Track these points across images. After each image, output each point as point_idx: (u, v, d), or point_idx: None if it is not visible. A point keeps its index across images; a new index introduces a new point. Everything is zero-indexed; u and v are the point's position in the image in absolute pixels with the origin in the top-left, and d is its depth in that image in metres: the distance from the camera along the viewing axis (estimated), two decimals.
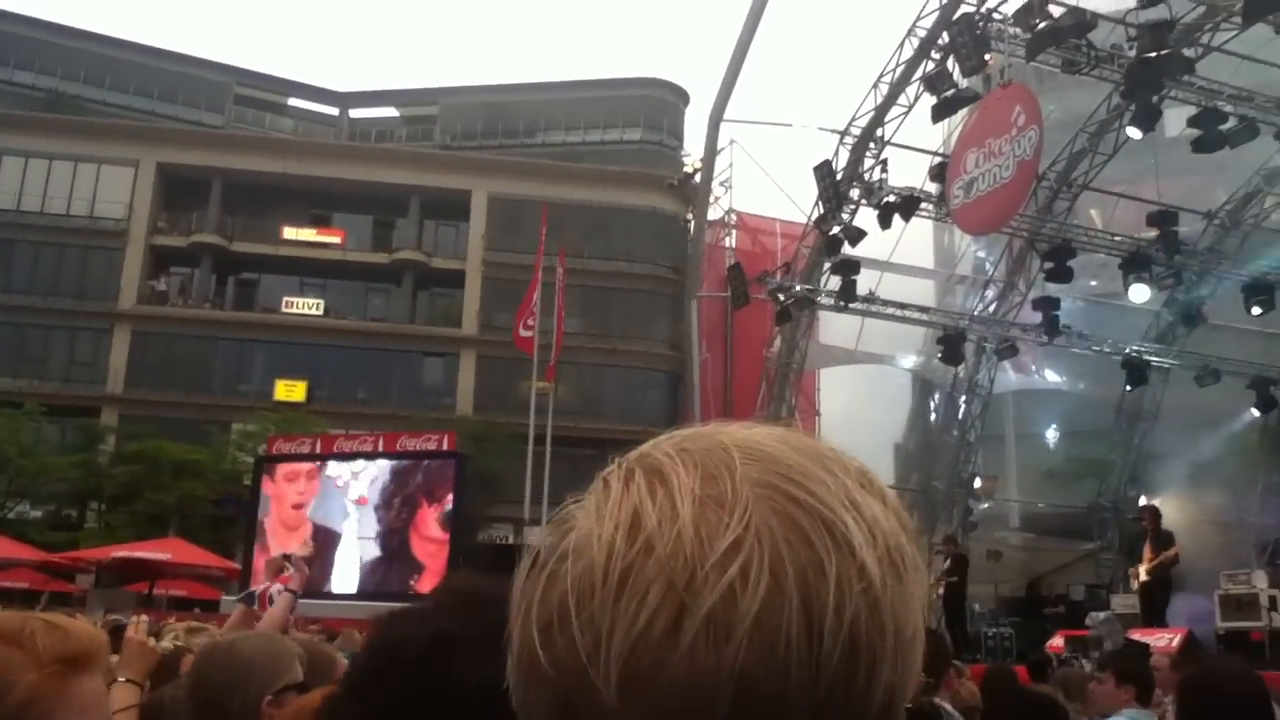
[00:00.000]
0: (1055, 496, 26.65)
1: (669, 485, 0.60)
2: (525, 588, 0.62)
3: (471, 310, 40.54)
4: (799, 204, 22.48)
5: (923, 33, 17.35)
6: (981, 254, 26.24)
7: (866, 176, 19.24)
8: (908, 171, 19.49)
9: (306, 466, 19.76)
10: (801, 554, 0.57)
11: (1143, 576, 14.68)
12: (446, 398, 39.05)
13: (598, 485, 0.64)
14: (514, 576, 0.64)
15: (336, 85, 58.62)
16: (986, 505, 23.75)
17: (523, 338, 23.13)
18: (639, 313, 40.47)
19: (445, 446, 19.86)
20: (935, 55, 16.97)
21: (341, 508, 19.40)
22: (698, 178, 34.27)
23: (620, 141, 50.84)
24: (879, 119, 19.13)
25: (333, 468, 19.74)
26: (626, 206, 41.38)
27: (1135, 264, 18.30)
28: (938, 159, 18.95)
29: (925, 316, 21.80)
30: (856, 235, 19.25)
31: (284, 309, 40.71)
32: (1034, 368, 25.44)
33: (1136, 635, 12.49)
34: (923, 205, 18.94)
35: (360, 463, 19.68)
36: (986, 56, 15.60)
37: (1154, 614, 14.21)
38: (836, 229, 19.37)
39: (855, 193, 19.46)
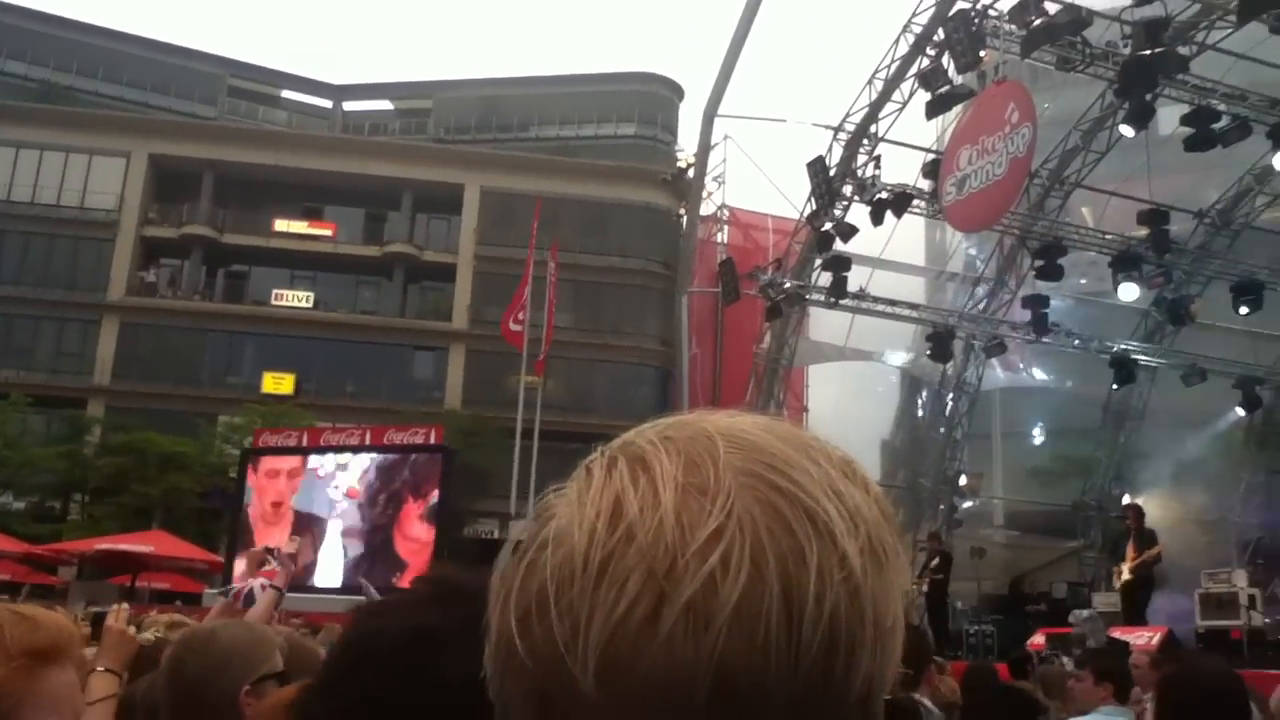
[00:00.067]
0: (1040, 494, 26.74)
1: (651, 473, 0.59)
2: (505, 576, 0.61)
3: (462, 304, 40.50)
4: (792, 200, 22.53)
5: (918, 29, 17.37)
6: (973, 251, 26.29)
7: (859, 173, 19.26)
8: (901, 168, 19.54)
9: (288, 465, 19.71)
10: (783, 542, 0.56)
11: (1125, 575, 14.75)
12: (435, 392, 39.04)
13: (580, 473, 0.63)
14: (493, 567, 0.64)
15: (330, 78, 58.57)
16: (971, 503, 23.83)
17: (512, 331, 23.11)
18: (630, 308, 40.48)
19: (433, 440, 19.85)
20: (930, 52, 16.98)
21: (327, 501, 19.37)
22: (691, 173, 34.27)
23: (614, 136, 50.85)
24: (873, 115, 19.14)
25: (318, 461, 19.71)
26: (620, 201, 41.37)
27: (1125, 262, 18.36)
28: (931, 156, 18.98)
29: (915, 313, 21.84)
30: (848, 231, 19.26)
31: (274, 301, 40.64)
32: (1021, 365, 25.51)
33: (1117, 633, 12.56)
34: (915, 202, 18.97)
35: (347, 456, 19.66)
36: (981, 53, 15.61)
37: (1135, 612, 14.28)
38: (828, 225, 19.38)
39: (848, 189, 19.47)
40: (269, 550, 5.56)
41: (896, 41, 18.06)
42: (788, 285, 20.94)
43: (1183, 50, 14.92)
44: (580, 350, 36.94)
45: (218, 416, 34.68)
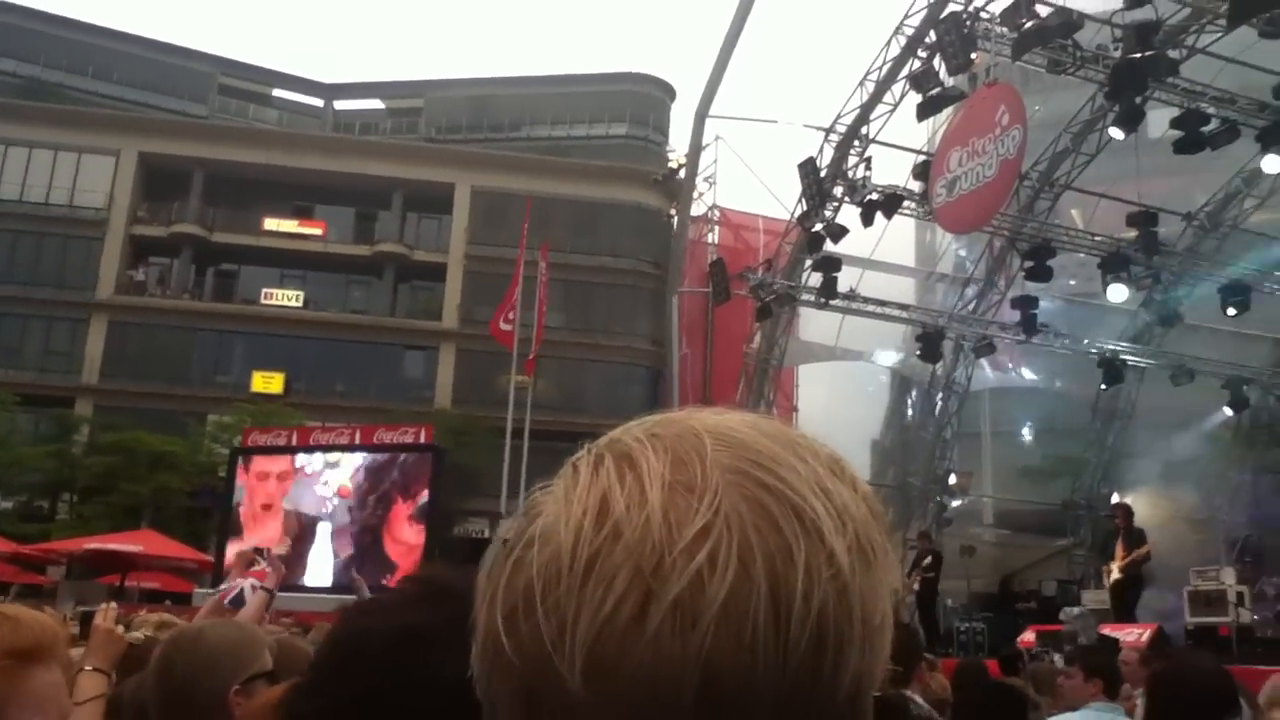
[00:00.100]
0: (1029, 493, 26.83)
1: (638, 470, 0.59)
2: (491, 574, 0.61)
3: (452, 304, 40.43)
4: (782, 200, 22.54)
5: (910, 31, 17.40)
6: (962, 253, 26.36)
7: (850, 174, 19.28)
8: (891, 169, 19.57)
9: (278, 467, 19.64)
10: (770, 540, 0.56)
11: (1115, 574, 14.82)
12: (426, 391, 38.95)
13: (567, 470, 0.63)
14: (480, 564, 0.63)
15: (321, 77, 58.34)
16: (961, 502, 23.89)
17: (502, 331, 23.08)
18: (621, 308, 40.46)
19: (423, 440, 19.82)
20: (922, 54, 17.01)
21: (317, 500, 19.32)
22: (682, 173, 34.28)
23: (605, 136, 50.83)
24: (864, 117, 19.17)
25: (308, 460, 19.66)
26: (610, 201, 41.35)
27: (1114, 264, 18.42)
28: (921, 157, 19.01)
29: (905, 314, 21.89)
30: (839, 232, 19.29)
31: (264, 300, 40.52)
32: (1010, 366, 25.58)
33: (1107, 630, 12.63)
34: (905, 203, 18.99)
35: (337, 455, 19.61)
36: (972, 55, 15.65)
37: (1125, 610, 14.35)
38: (819, 226, 19.41)
39: (838, 190, 19.50)
40: (258, 551, 5.55)
41: (888, 43, 18.10)
42: (778, 285, 20.96)
43: (1173, 54, 14.97)
44: (571, 350, 36.92)
45: (207, 416, 34.56)
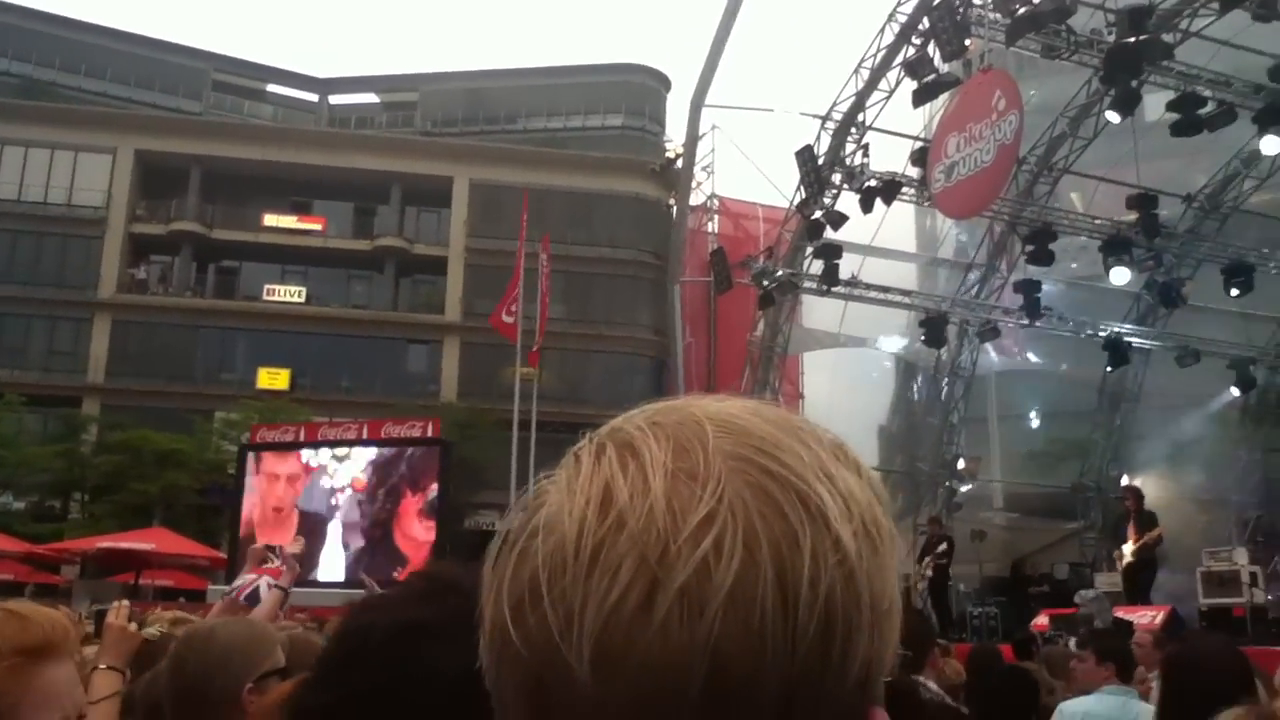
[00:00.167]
0: (1038, 477, 26.80)
1: (641, 459, 0.59)
2: (496, 566, 0.61)
3: (454, 297, 40.44)
4: (781, 189, 22.47)
5: (903, 18, 17.35)
6: (963, 238, 26.31)
7: (848, 161, 19.24)
8: (889, 156, 19.53)
9: (288, 469, 19.66)
10: (775, 526, 0.56)
11: (1128, 557, 14.81)
12: (430, 385, 38.98)
13: (569, 460, 0.63)
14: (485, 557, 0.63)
15: (316, 71, 58.16)
16: (970, 486, 23.88)
17: (504, 323, 23.07)
18: (622, 298, 40.44)
19: (430, 433, 19.85)
20: (916, 40, 16.97)
21: (327, 496, 19.37)
22: (680, 163, 34.22)
23: (602, 127, 50.72)
24: (860, 104, 19.13)
25: (317, 456, 19.69)
26: (609, 192, 41.30)
27: (1115, 247, 18.37)
28: (919, 144, 18.97)
29: (907, 300, 21.85)
30: (838, 219, 19.26)
31: (265, 297, 40.54)
32: (1016, 349, 25.55)
33: (1120, 613, 12.62)
34: (904, 189, 18.96)
35: (344, 450, 19.65)
36: (967, 41, 15.60)
37: (1138, 592, 14.34)
38: (818, 213, 19.38)
39: (837, 177, 19.46)
40: (270, 548, 5.55)
41: (882, 30, 18.05)
42: (779, 273, 20.93)
43: (1167, 37, 14.91)
44: (574, 341, 36.93)
45: (213, 413, 34.61)
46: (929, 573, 16.27)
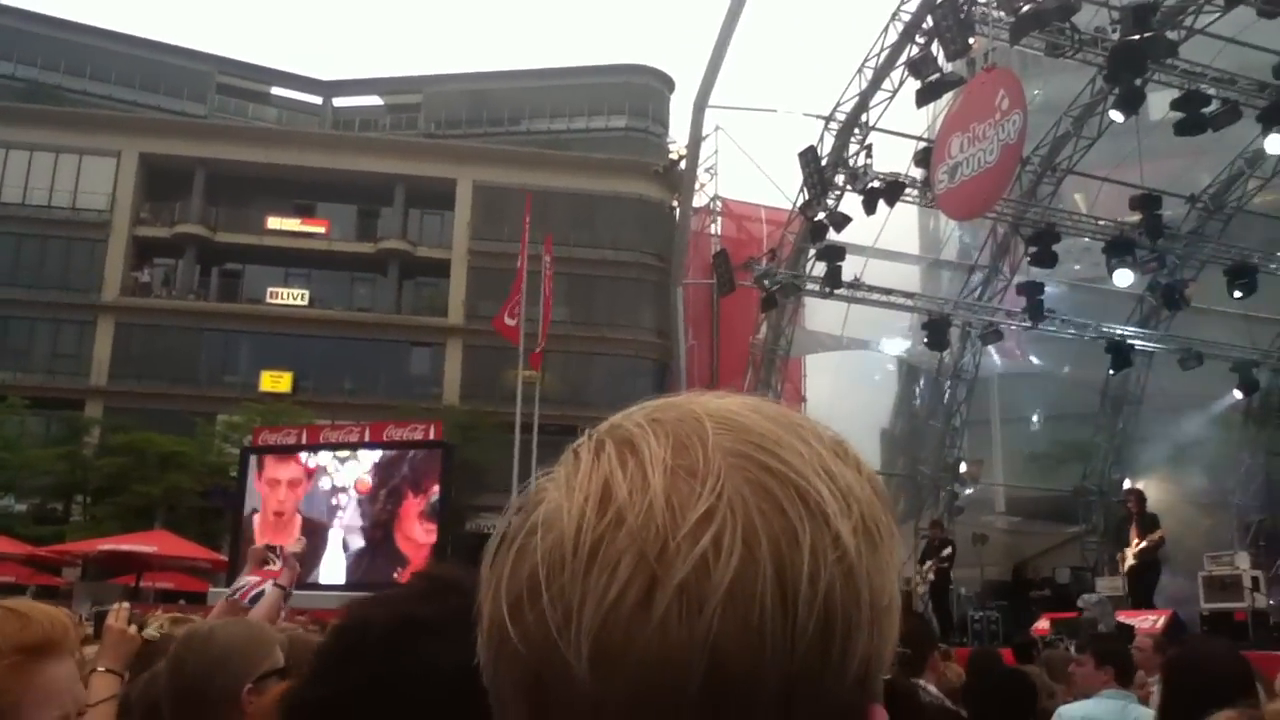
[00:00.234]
0: (1040, 480, 26.78)
1: (640, 455, 0.59)
2: (495, 563, 0.61)
3: (457, 300, 40.46)
4: (784, 190, 22.49)
5: (906, 17, 17.35)
6: (967, 239, 26.29)
7: (851, 162, 19.24)
8: (892, 157, 19.53)
9: (289, 474, 19.65)
10: (775, 523, 0.56)
11: (1130, 560, 14.79)
12: (433, 387, 39.01)
13: (568, 457, 0.63)
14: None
15: (320, 74, 58.33)
16: (971, 490, 23.84)
17: (506, 326, 23.04)
18: (625, 301, 40.45)
19: (432, 436, 19.83)
20: (919, 40, 16.97)
21: (328, 499, 19.36)
22: (683, 165, 34.22)
23: (605, 129, 50.75)
24: (863, 104, 19.12)
25: (318, 459, 19.69)
26: (612, 194, 41.32)
27: (1119, 248, 18.35)
28: (922, 144, 18.96)
29: (910, 302, 21.83)
30: (841, 221, 19.25)
31: (269, 299, 40.59)
32: (1019, 352, 25.53)
33: (1122, 617, 12.60)
34: (907, 190, 18.95)
35: (346, 453, 19.64)
36: (970, 40, 15.61)
37: (1143, 596, 14.32)
38: (821, 215, 19.38)
39: (840, 178, 19.46)
40: (270, 548, 5.54)
41: (885, 30, 18.05)
42: (782, 275, 20.93)
43: (1171, 35, 14.90)
44: (576, 344, 36.92)
45: (216, 415, 34.63)
46: (931, 576, 16.25)
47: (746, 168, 29.88)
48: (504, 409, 26.78)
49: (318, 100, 56.61)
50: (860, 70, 18.97)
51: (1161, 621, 12.18)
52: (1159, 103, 17.81)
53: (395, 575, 17.17)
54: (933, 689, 4.77)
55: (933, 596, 16.23)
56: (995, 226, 21.49)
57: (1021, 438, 28.68)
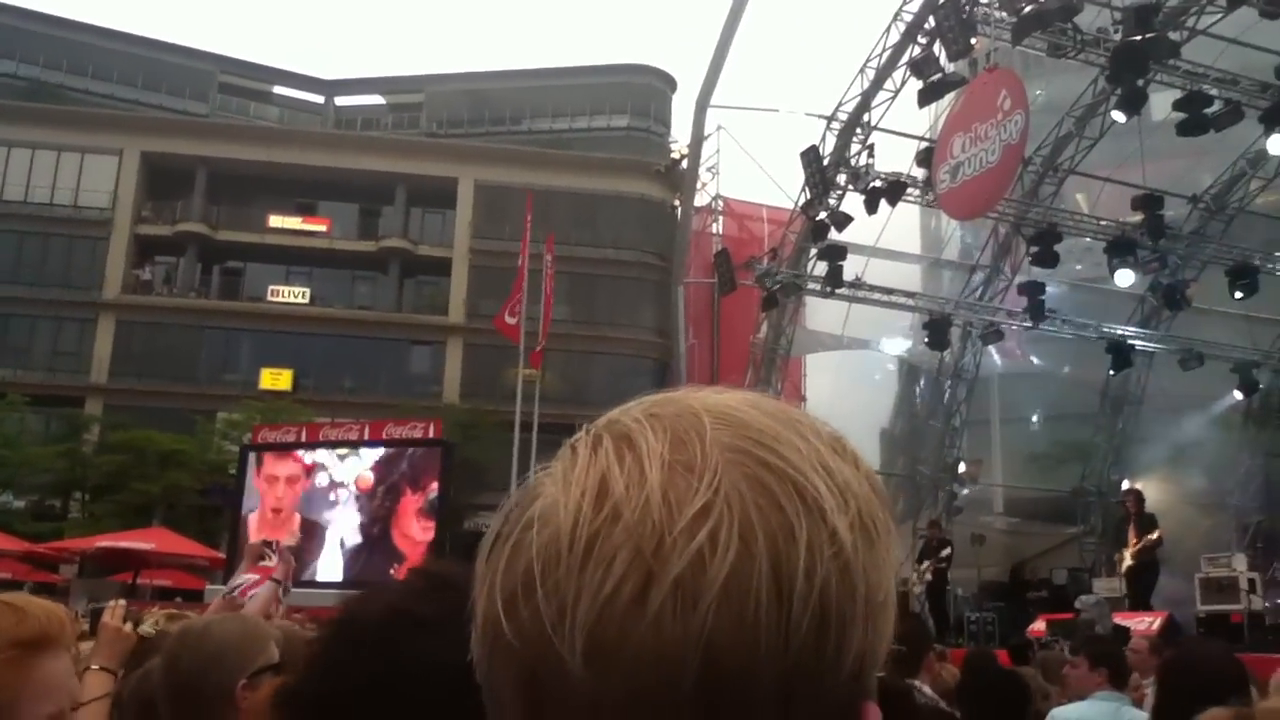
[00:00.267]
0: (1039, 480, 26.77)
1: (637, 450, 0.58)
2: (490, 558, 0.61)
3: (458, 298, 40.48)
4: (785, 190, 22.49)
5: (909, 17, 17.35)
6: (968, 239, 26.29)
7: (853, 162, 19.24)
8: (894, 157, 19.54)
9: (286, 470, 19.64)
10: (772, 519, 0.56)
11: (1128, 560, 14.78)
12: (433, 386, 39.02)
13: (565, 452, 0.62)
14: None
15: (322, 73, 58.39)
16: (970, 489, 23.83)
17: (507, 324, 23.03)
18: (626, 300, 40.46)
19: (432, 434, 19.83)
20: (921, 40, 16.97)
21: (327, 496, 19.35)
22: (684, 164, 34.21)
23: (607, 128, 50.76)
24: (865, 104, 19.13)
25: (318, 456, 19.68)
26: (613, 193, 41.33)
27: (1120, 248, 18.34)
28: (924, 144, 18.96)
29: (911, 302, 21.83)
30: (843, 221, 19.26)
31: (270, 298, 40.61)
32: (1019, 352, 25.52)
33: (1118, 618, 12.59)
34: (909, 190, 18.96)
35: (346, 451, 19.63)
36: (972, 41, 15.59)
37: (1140, 596, 14.31)
38: (823, 214, 19.38)
39: (842, 178, 19.46)
40: (267, 544, 5.55)
41: (888, 30, 18.05)
42: (783, 275, 20.93)
43: (1173, 35, 14.89)
44: (577, 343, 36.93)
45: (216, 413, 34.64)
46: (929, 576, 16.24)
47: (748, 167, 29.82)
48: (504, 408, 26.78)
49: (319, 99, 56.63)
50: (862, 70, 18.97)
51: (1157, 623, 12.16)
52: (1161, 103, 17.80)
53: (392, 573, 17.14)
54: (928, 690, 4.78)
55: (929, 597, 16.22)
56: (997, 226, 21.49)
57: (1021, 438, 28.68)
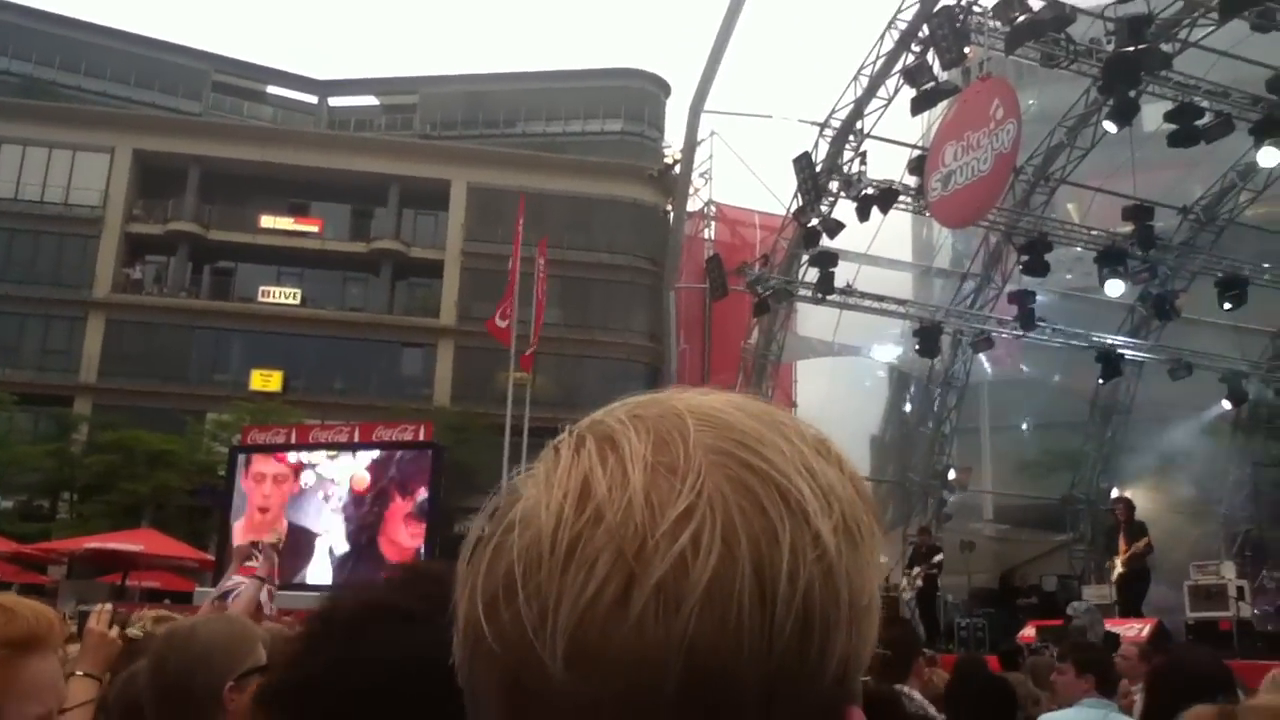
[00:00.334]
0: (1029, 488, 26.82)
1: (620, 452, 0.58)
2: (472, 561, 0.60)
3: (450, 301, 40.43)
4: (778, 196, 22.48)
5: (903, 25, 17.39)
6: (959, 247, 26.34)
7: (845, 169, 19.27)
8: (886, 164, 19.56)
9: (273, 469, 19.59)
10: (755, 521, 0.55)
11: (1119, 569, 14.82)
12: (424, 388, 38.96)
13: (548, 454, 0.62)
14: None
15: (316, 73, 58.22)
16: (958, 496, 23.87)
17: (498, 328, 23.00)
18: (618, 304, 40.47)
19: (423, 437, 19.80)
20: (915, 48, 17.00)
21: (318, 499, 19.30)
22: (677, 169, 34.23)
23: (601, 132, 50.79)
24: (858, 111, 19.16)
25: (308, 458, 19.63)
26: (607, 197, 41.34)
27: (1110, 258, 18.40)
28: (916, 152, 19.00)
29: (902, 309, 21.87)
30: (835, 227, 19.28)
31: (261, 298, 40.51)
32: (1009, 360, 25.57)
33: (1108, 625, 12.63)
34: (901, 198, 18.99)
35: (336, 453, 19.59)
36: (966, 49, 15.64)
37: (1131, 605, 14.34)
38: (815, 221, 19.40)
39: (834, 185, 19.49)
40: (254, 545, 5.54)
41: (881, 38, 18.09)
42: (775, 281, 20.95)
43: (1165, 47, 14.95)
44: (569, 346, 36.91)
45: (206, 414, 34.54)
46: (919, 583, 16.26)
47: (741, 173, 29.81)
48: (495, 411, 26.76)
49: (313, 99, 56.54)
50: (856, 77, 19.01)
51: (1147, 630, 12.20)
52: (1153, 114, 17.85)
53: (380, 575, 17.06)
54: (917, 695, 4.77)
55: (920, 603, 16.24)
56: (988, 235, 21.54)
57: (1011, 445, 28.75)
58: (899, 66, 17.66)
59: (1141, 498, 19.27)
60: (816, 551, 0.56)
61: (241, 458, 20.24)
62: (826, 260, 19.62)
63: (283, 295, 40.63)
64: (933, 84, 16.46)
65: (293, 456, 19.61)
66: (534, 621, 0.55)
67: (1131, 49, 14.05)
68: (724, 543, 0.54)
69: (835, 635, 0.56)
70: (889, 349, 25.87)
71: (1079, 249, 20.26)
